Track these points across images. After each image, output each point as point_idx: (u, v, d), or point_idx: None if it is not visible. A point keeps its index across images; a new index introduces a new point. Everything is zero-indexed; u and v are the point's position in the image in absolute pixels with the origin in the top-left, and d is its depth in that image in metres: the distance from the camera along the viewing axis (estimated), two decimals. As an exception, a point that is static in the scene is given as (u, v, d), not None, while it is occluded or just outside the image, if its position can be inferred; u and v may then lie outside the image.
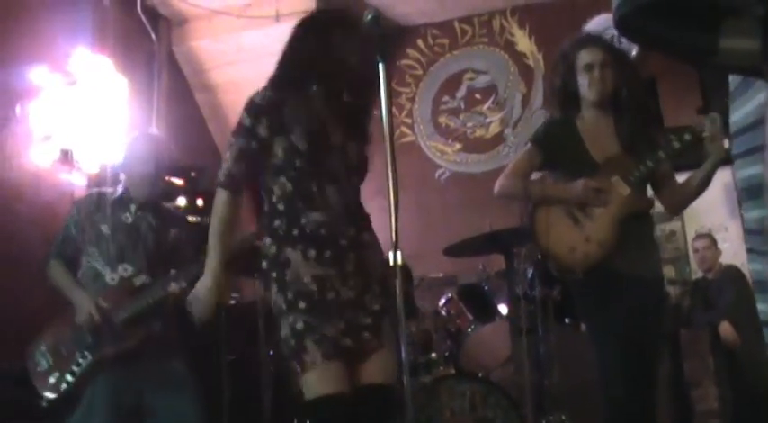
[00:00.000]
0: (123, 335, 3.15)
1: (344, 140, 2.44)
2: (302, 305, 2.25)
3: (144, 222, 3.29)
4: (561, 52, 3.09)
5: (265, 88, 2.42)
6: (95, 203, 3.34)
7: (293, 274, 2.28)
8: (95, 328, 3.13)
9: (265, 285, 2.38)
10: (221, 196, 2.42)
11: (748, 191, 1.26)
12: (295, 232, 2.32)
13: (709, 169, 2.91)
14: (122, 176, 3.43)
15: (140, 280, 3.21)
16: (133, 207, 3.32)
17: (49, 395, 3.13)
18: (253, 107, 2.38)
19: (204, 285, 2.45)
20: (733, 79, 1.30)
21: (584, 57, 2.98)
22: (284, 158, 2.35)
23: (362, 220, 2.47)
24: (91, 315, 3.11)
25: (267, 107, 2.36)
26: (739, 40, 1.11)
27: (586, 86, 2.99)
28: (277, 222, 2.36)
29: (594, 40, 3.08)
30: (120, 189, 3.37)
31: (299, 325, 2.23)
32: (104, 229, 3.25)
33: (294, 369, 2.25)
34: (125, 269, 3.22)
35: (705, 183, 2.96)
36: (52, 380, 3.15)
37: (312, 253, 2.30)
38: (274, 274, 2.32)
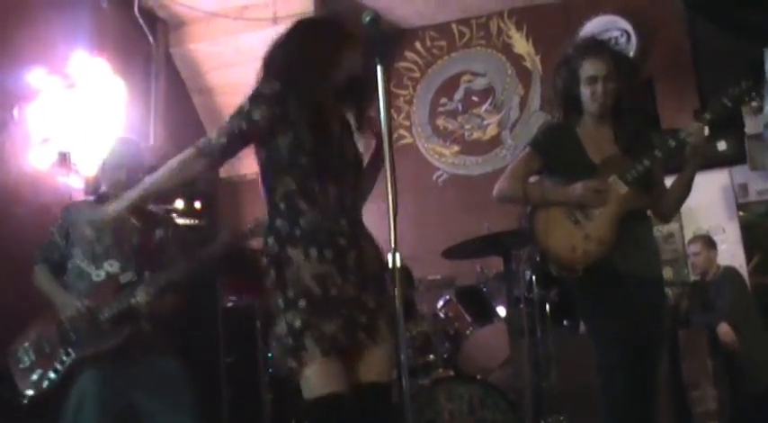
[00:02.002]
0: (108, 333, 3.14)
1: (342, 139, 2.45)
2: (302, 304, 2.23)
3: (127, 223, 3.28)
4: (565, 56, 3.08)
5: (270, 80, 2.39)
6: (79, 210, 3.38)
7: (294, 274, 2.27)
8: (79, 325, 3.12)
9: (264, 284, 2.36)
10: (189, 153, 2.36)
11: None
12: (296, 231, 2.32)
13: (687, 179, 2.95)
14: (102, 180, 3.45)
15: (126, 277, 3.22)
16: None
17: (31, 393, 3.12)
18: (255, 94, 2.36)
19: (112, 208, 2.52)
20: None
21: (588, 69, 2.97)
22: (288, 155, 2.34)
23: (359, 220, 2.47)
24: (77, 312, 3.10)
25: (270, 97, 2.34)
26: None
27: (588, 98, 2.99)
28: (279, 222, 2.35)
29: (599, 49, 3.07)
30: (100, 190, 3.39)
31: (298, 323, 2.22)
32: (87, 230, 3.27)
33: (290, 367, 2.23)
34: (111, 265, 3.24)
35: (687, 190, 3.00)
36: (35, 377, 3.13)
37: (313, 252, 2.29)
38: (273, 273, 2.31)
